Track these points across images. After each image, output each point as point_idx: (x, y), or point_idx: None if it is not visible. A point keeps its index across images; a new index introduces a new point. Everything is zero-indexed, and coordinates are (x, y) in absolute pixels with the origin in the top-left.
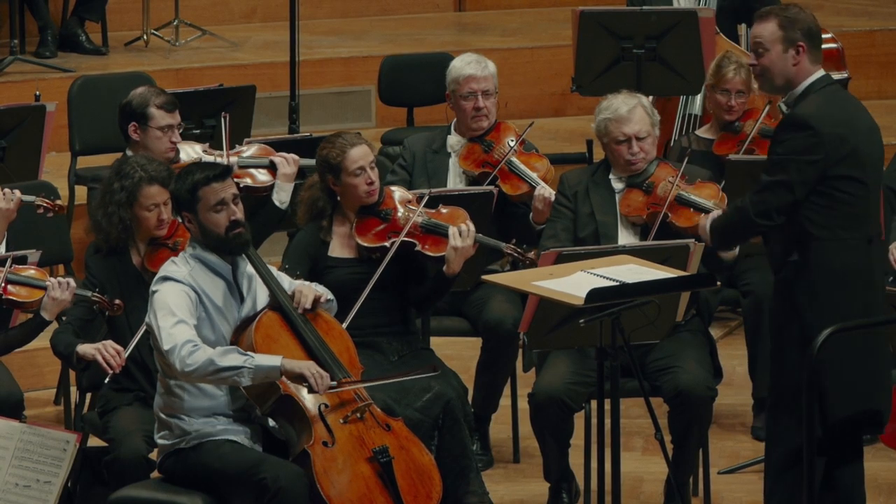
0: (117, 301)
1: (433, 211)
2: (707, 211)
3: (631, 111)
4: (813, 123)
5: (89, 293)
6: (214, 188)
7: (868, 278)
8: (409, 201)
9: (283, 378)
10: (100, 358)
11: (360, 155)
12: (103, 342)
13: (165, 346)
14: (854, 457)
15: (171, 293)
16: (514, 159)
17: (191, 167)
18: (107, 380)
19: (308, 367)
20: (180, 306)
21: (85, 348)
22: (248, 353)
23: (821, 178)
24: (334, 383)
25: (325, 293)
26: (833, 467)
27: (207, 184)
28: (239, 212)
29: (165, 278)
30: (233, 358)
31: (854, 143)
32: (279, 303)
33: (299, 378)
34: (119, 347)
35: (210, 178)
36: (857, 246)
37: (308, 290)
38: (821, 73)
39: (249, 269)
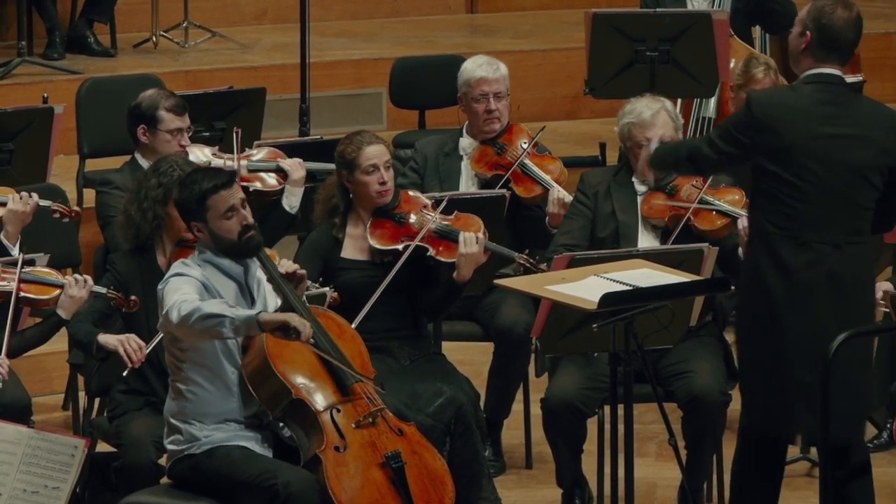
0: (133, 297)
1: (448, 217)
2: (731, 216)
3: (654, 115)
4: (752, 105)
5: (105, 290)
6: (223, 196)
7: (784, 274)
8: (425, 206)
9: (264, 331)
10: (121, 350)
11: (375, 153)
12: (126, 335)
13: (165, 309)
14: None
15: (178, 282)
16: (527, 161)
17: (193, 175)
18: (125, 372)
19: (289, 316)
20: (186, 288)
21: (107, 338)
22: (235, 306)
23: (753, 167)
24: (313, 331)
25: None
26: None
27: (216, 192)
28: (249, 215)
29: (175, 274)
30: (218, 306)
31: (790, 141)
32: (290, 305)
33: (283, 327)
34: (142, 343)
35: (218, 186)
36: (781, 239)
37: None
38: (819, 70)
39: (258, 272)
